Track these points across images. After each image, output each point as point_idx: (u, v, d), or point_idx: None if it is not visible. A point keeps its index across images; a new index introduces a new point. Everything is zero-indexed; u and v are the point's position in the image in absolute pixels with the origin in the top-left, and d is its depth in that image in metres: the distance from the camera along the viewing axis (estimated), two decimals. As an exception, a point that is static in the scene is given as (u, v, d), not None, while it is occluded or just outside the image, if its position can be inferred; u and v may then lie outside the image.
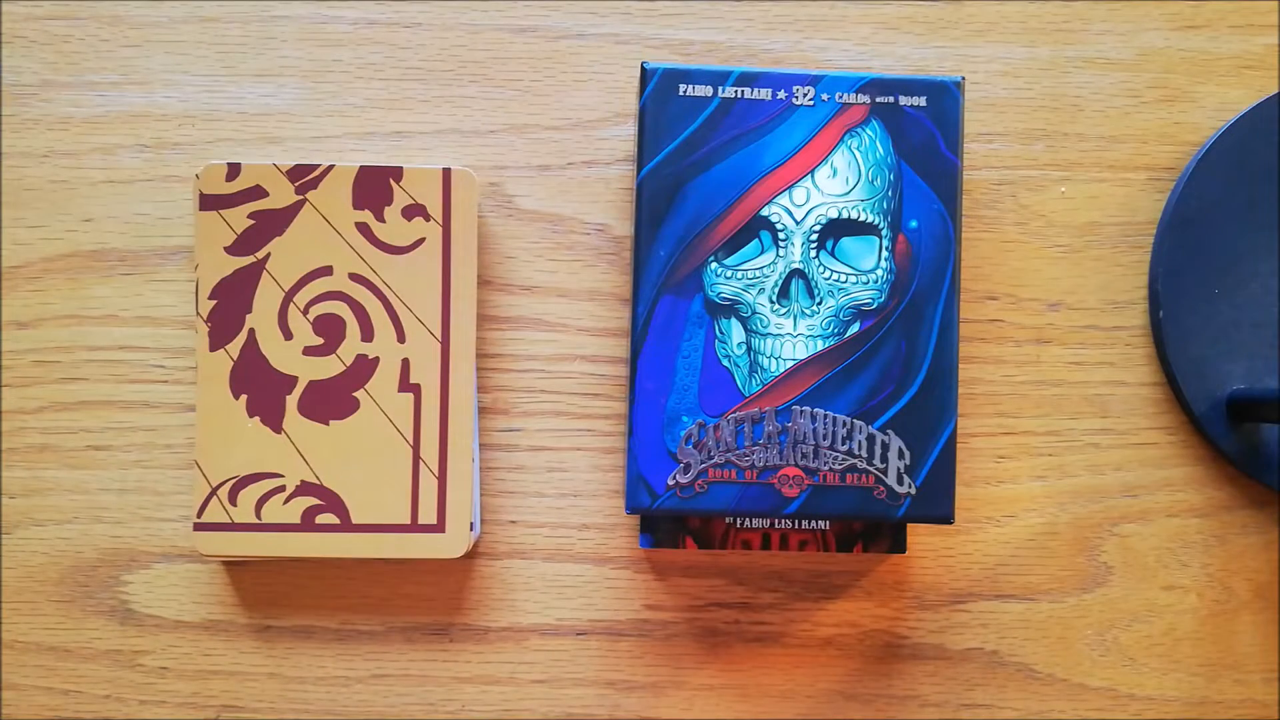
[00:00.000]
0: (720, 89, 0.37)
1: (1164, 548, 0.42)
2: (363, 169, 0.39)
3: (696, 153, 0.37)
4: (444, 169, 0.39)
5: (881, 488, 0.36)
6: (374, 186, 0.39)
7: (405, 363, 0.39)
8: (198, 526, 0.39)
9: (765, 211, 0.37)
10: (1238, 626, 0.42)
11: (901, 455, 0.36)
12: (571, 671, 0.41)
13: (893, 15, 0.41)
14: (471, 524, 0.39)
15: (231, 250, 0.39)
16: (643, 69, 0.37)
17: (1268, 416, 0.39)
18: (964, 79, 0.37)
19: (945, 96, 0.37)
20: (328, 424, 0.39)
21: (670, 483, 0.36)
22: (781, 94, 0.37)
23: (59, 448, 0.41)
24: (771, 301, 0.37)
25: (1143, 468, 0.42)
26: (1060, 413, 0.42)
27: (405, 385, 0.39)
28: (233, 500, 0.39)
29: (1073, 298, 0.42)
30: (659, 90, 0.37)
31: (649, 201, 0.37)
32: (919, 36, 0.41)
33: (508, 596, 0.41)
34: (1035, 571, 0.41)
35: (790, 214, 0.37)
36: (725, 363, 0.37)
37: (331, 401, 0.39)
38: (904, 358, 0.37)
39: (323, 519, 0.39)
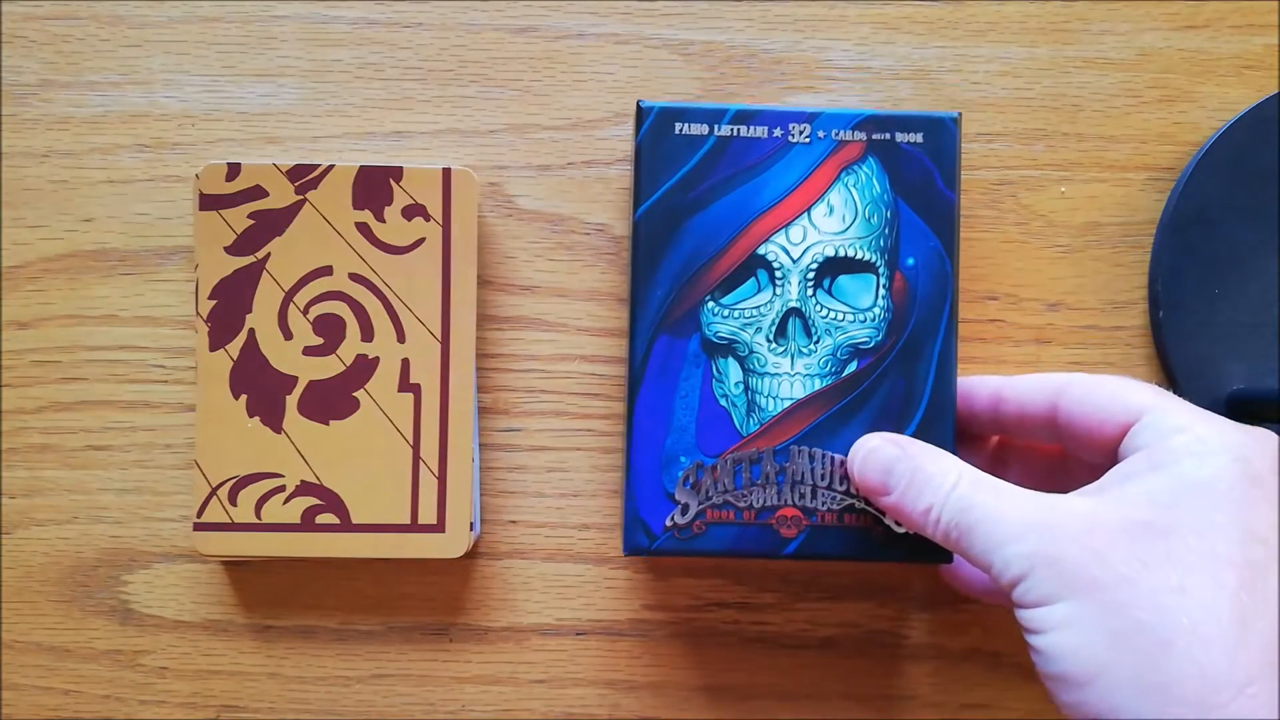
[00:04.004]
0: (716, 127, 0.37)
1: (1164, 548, 0.42)
2: (363, 169, 0.39)
3: (693, 191, 0.37)
4: (444, 169, 0.39)
5: (880, 527, 0.36)
6: (374, 186, 0.39)
7: (405, 363, 0.39)
8: (198, 526, 0.39)
9: (762, 250, 0.37)
10: (1238, 626, 0.42)
11: None
12: (571, 671, 0.41)
13: (893, 15, 0.41)
14: (471, 524, 0.39)
15: (231, 250, 0.39)
16: (639, 107, 0.37)
17: (1268, 416, 0.39)
18: (960, 115, 0.37)
19: (942, 133, 0.37)
20: (328, 424, 0.39)
21: (668, 524, 0.36)
22: (777, 132, 0.37)
23: (59, 448, 0.41)
24: (769, 340, 0.37)
25: (1143, 468, 0.42)
26: (1060, 413, 0.42)
27: (405, 385, 0.39)
28: (233, 500, 0.39)
29: (1073, 298, 0.42)
30: (655, 128, 0.37)
31: (645, 240, 0.37)
32: (919, 36, 0.41)
33: (508, 596, 0.41)
34: (1035, 571, 0.41)
35: (787, 252, 0.37)
36: (723, 402, 0.36)
37: (331, 401, 0.39)
38: (901, 396, 0.36)
39: (323, 519, 0.39)
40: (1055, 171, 0.42)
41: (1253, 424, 0.40)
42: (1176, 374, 0.41)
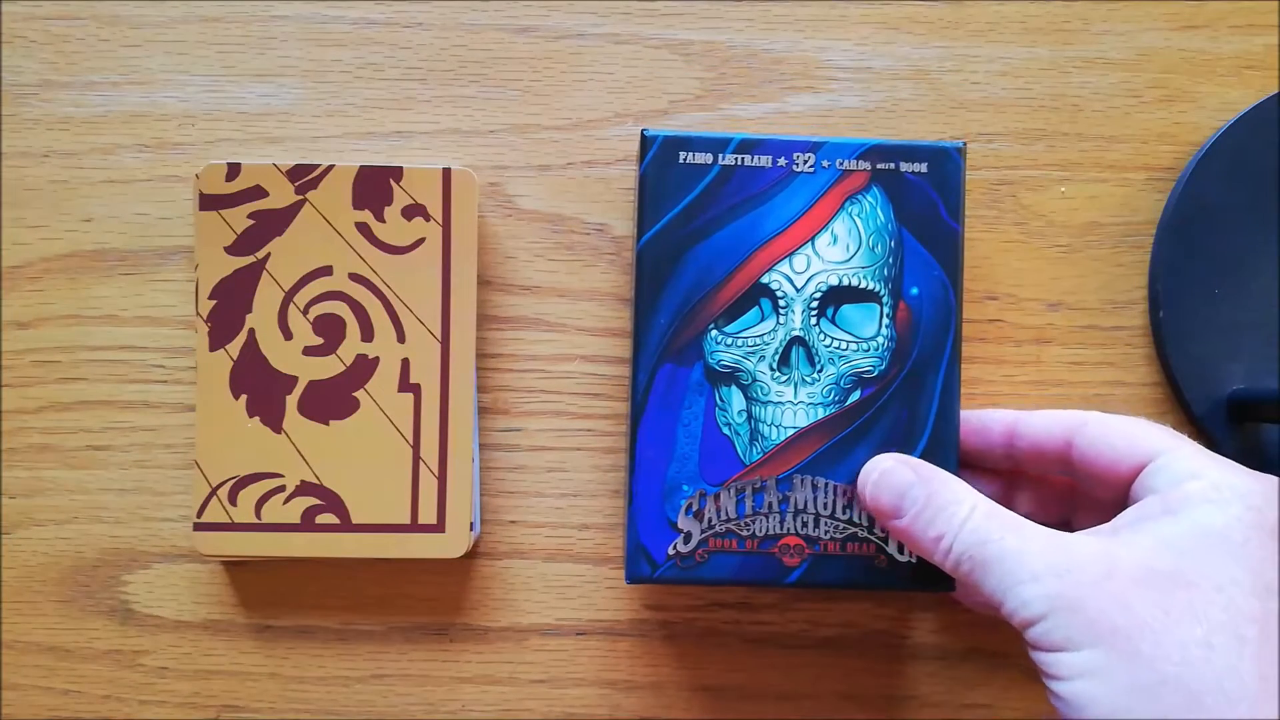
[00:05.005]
0: (720, 156, 0.37)
1: (1164, 548, 0.42)
2: (363, 169, 0.39)
3: (697, 220, 0.37)
4: (444, 169, 0.39)
5: (883, 556, 0.36)
6: (374, 186, 0.39)
7: (405, 363, 0.39)
8: (198, 526, 0.39)
9: (765, 279, 0.37)
10: (1238, 626, 0.42)
11: None
12: (571, 671, 0.41)
13: (893, 15, 0.41)
14: (471, 524, 0.39)
15: (231, 250, 0.39)
16: (643, 136, 0.37)
17: (1268, 416, 0.39)
18: (965, 145, 0.37)
19: (947, 162, 0.37)
20: (328, 424, 0.39)
21: (671, 552, 0.36)
22: (781, 161, 0.37)
23: (59, 448, 0.41)
24: (772, 369, 0.36)
25: (1143, 468, 0.42)
26: (1060, 413, 0.42)
27: (405, 385, 0.39)
28: (233, 500, 0.39)
29: (1073, 298, 0.42)
30: (659, 158, 0.37)
31: (649, 269, 0.37)
32: (919, 36, 0.41)
33: (508, 596, 0.41)
34: (1035, 571, 0.41)
35: (790, 281, 0.37)
36: (726, 430, 0.36)
37: (331, 401, 0.39)
38: (905, 425, 0.36)
39: (323, 519, 0.39)
40: (1055, 171, 0.42)
41: (1253, 424, 0.41)
42: (1176, 374, 0.41)
